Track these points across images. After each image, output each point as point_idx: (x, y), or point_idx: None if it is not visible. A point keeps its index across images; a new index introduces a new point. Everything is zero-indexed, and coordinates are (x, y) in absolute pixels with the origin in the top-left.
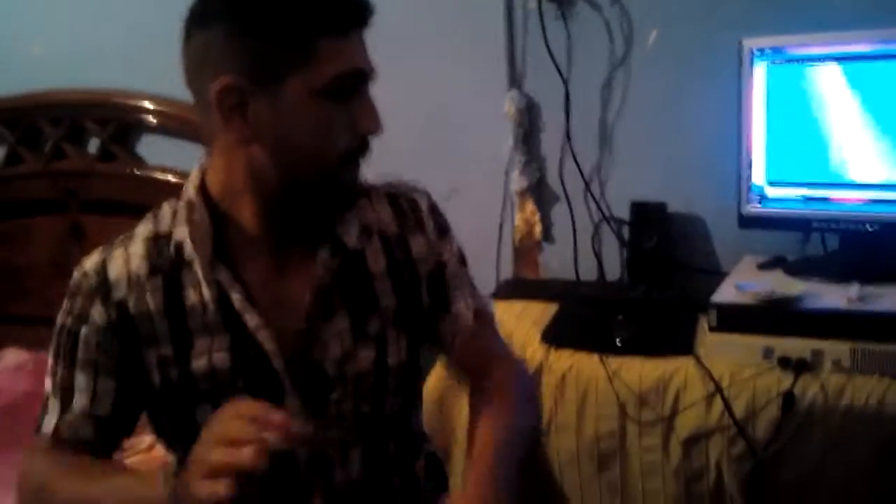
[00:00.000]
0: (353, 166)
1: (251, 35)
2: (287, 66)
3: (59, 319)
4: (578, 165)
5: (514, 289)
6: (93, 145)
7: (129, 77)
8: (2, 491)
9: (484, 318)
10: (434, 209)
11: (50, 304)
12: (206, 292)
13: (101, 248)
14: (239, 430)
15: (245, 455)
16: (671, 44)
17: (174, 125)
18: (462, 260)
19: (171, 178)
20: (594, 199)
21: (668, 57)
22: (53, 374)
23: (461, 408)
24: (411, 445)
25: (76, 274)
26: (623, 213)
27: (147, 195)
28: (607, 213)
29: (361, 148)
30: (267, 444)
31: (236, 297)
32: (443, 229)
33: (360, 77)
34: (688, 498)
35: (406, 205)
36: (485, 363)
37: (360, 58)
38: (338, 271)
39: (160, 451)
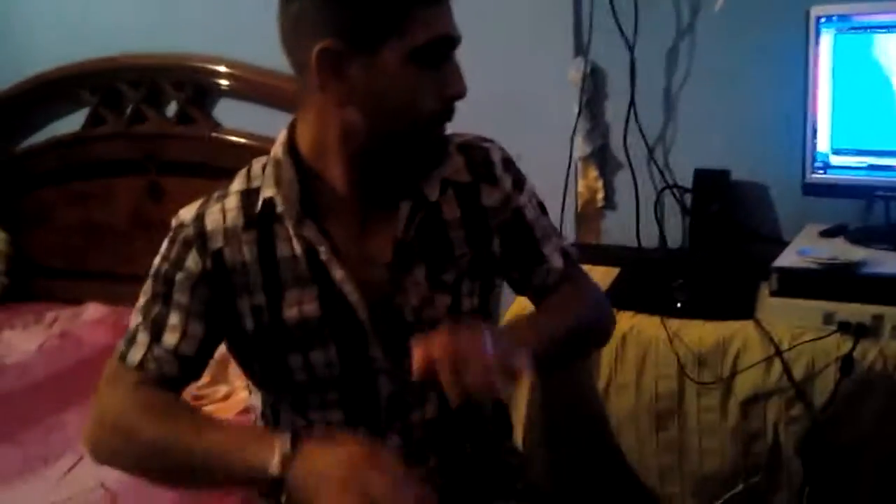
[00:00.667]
0: (439, 127)
1: (350, 2)
2: (383, 32)
3: (156, 263)
4: (642, 132)
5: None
6: (171, 108)
7: (206, 42)
8: (79, 441)
9: (570, 259)
10: (507, 161)
11: (129, 260)
12: (297, 246)
13: (198, 201)
14: (386, 497)
15: None
16: (737, 11)
17: (248, 89)
18: (542, 207)
19: (244, 140)
20: (657, 166)
21: (735, 24)
22: (146, 311)
23: None
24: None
25: (174, 223)
26: (686, 180)
27: (222, 157)
28: (670, 181)
29: (448, 110)
30: None
31: (323, 251)
32: (518, 181)
33: (449, 43)
34: (745, 458)
35: (479, 155)
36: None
37: (450, 25)
38: (419, 224)
39: (235, 400)
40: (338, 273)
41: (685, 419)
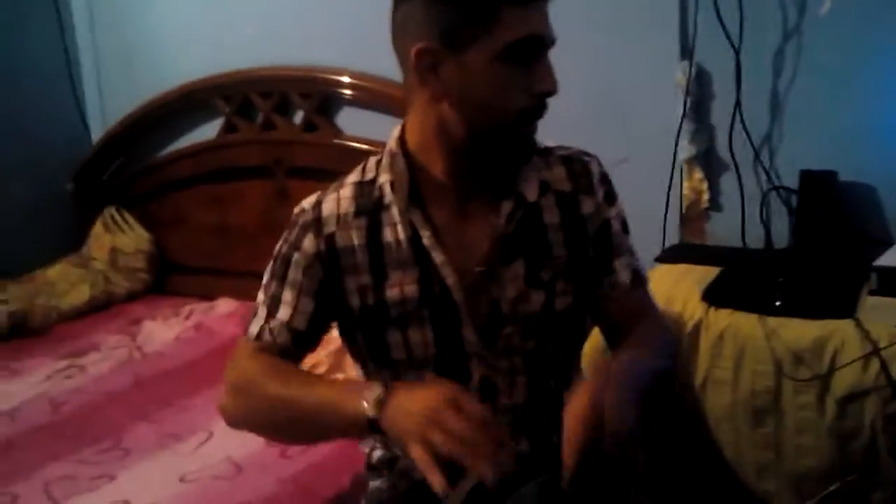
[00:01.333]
0: (529, 123)
1: (443, 4)
2: (473, 32)
3: (278, 245)
4: (748, 134)
5: (678, 253)
6: (298, 116)
7: (330, 54)
8: (213, 415)
9: (639, 279)
10: (604, 176)
11: (258, 259)
12: (401, 231)
13: (318, 191)
14: (453, 426)
15: (452, 449)
16: (844, 13)
17: (369, 98)
18: (625, 226)
19: (364, 146)
20: (763, 167)
21: (841, 26)
22: (266, 289)
23: None
24: (569, 386)
25: (296, 210)
26: (792, 181)
27: (344, 162)
28: (776, 182)
29: (538, 107)
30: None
31: (426, 236)
32: (610, 196)
33: (538, 43)
34: (841, 456)
35: (579, 167)
36: (633, 319)
37: (540, 25)
38: (518, 222)
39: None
40: (438, 257)
41: (782, 416)
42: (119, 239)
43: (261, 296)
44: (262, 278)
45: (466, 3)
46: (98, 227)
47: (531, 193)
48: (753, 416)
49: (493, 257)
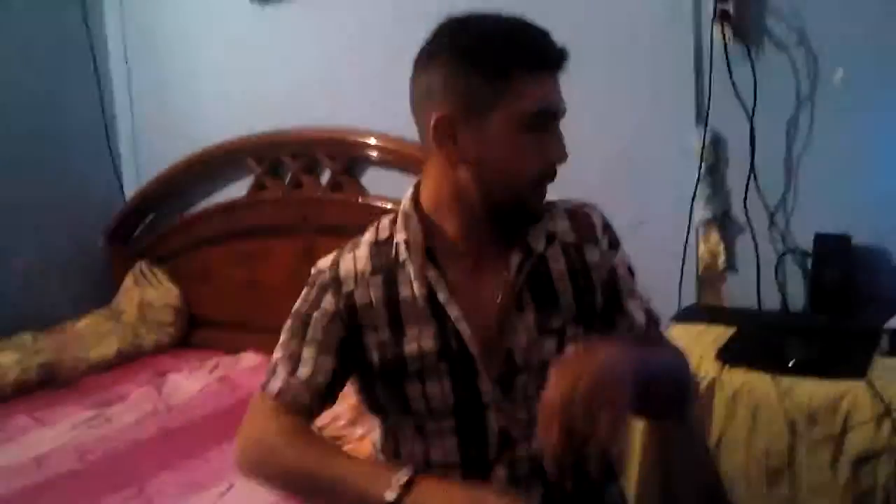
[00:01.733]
0: (541, 188)
1: (464, 76)
2: (492, 103)
3: (297, 304)
4: (763, 198)
5: (695, 314)
6: (325, 176)
7: (356, 117)
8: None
9: (653, 319)
10: (606, 225)
11: (284, 314)
12: (417, 288)
13: (334, 252)
14: None
15: None
16: (856, 82)
17: (392, 159)
18: (631, 271)
19: (388, 205)
20: (778, 230)
21: (854, 94)
22: (285, 348)
23: None
24: None
25: (314, 270)
26: (807, 244)
27: (368, 220)
28: (791, 245)
29: (549, 173)
30: None
31: (441, 292)
32: (614, 243)
33: (551, 114)
34: None
35: (582, 219)
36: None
37: (552, 97)
38: (527, 272)
39: (369, 442)
40: (454, 312)
41: (796, 476)
42: (148, 293)
43: (278, 353)
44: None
45: (485, 74)
46: (128, 281)
47: (538, 244)
48: (768, 477)
49: (505, 308)
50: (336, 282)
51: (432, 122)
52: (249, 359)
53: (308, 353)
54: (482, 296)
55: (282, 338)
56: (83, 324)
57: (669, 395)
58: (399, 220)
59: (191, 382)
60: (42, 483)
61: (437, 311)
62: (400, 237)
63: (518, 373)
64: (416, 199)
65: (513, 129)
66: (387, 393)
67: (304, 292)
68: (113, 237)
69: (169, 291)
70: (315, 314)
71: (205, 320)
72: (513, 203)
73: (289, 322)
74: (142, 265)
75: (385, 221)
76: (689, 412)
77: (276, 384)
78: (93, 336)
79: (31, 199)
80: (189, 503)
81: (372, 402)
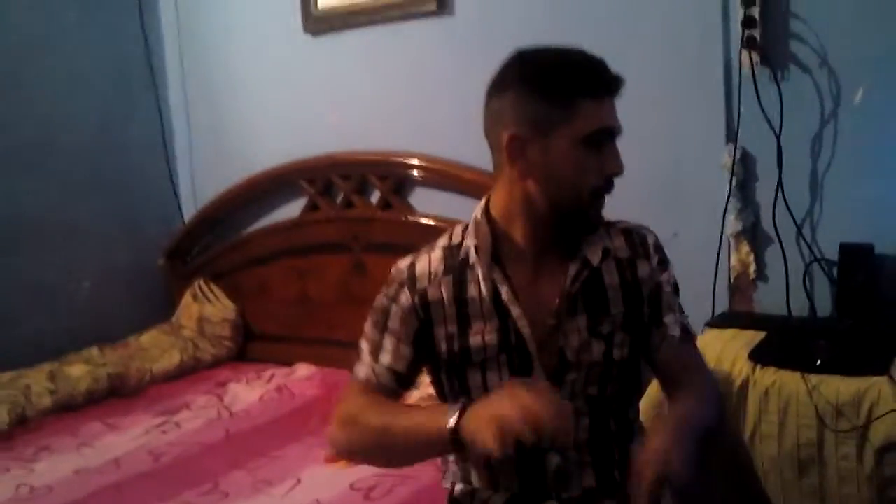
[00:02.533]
0: (599, 199)
1: (532, 99)
2: (557, 122)
3: (378, 300)
4: (790, 211)
5: (727, 320)
6: (375, 196)
7: (404, 140)
8: (301, 464)
9: (688, 334)
10: (658, 246)
11: (335, 328)
12: (483, 287)
13: (412, 253)
14: (529, 405)
15: (525, 429)
16: (875, 101)
17: (437, 179)
18: (675, 289)
19: (433, 222)
20: (805, 241)
21: (873, 112)
22: (368, 338)
23: None
24: (627, 429)
25: (393, 269)
26: (833, 254)
27: (415, 237)
28: (818, 255)
29: (607, 186)
30: (542, 427)
31: (505, 293)
32: (663, 262)
33: (609, 132)
34: (881, 503)
35: (637, 238)
36: (684, 371)
37: (609, 118)
38: (582, 282)
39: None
40: (515, 311)
41: (825, 467)
42: (206, 309)
43: (364, 343)
44: (339, 346)
45: (550, 99)
46: (187, 298)
47: (595, 258)
48: (799, 467)
49: (560, 311)
50: (412, 280)
51: (505, 141)
52: (303, 370)
53: (388, 342)
54: (541, 299)
55: (365, 329)
56: (146, 338)
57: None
58: (470, 226)
59: (250, 392)
60: (121, 482)
61: (500, 309)
62: (470, 242)
63: (569, 370)
64: (486, 209)
65: (575, 147)
66: (451, 381)
67: (383, 289)
68: (172, 256)
69: (226, 307)
70: (393, 308)
71: (260, 334)
72: (574, 212)
73: (372, 315)
74: (200, 282)
75: (458, 229)
76: (723, 428)
77: (362, 370)
78: (155, 349)
79: (96, 222)
80: (262, 496)
81: (439, 390)
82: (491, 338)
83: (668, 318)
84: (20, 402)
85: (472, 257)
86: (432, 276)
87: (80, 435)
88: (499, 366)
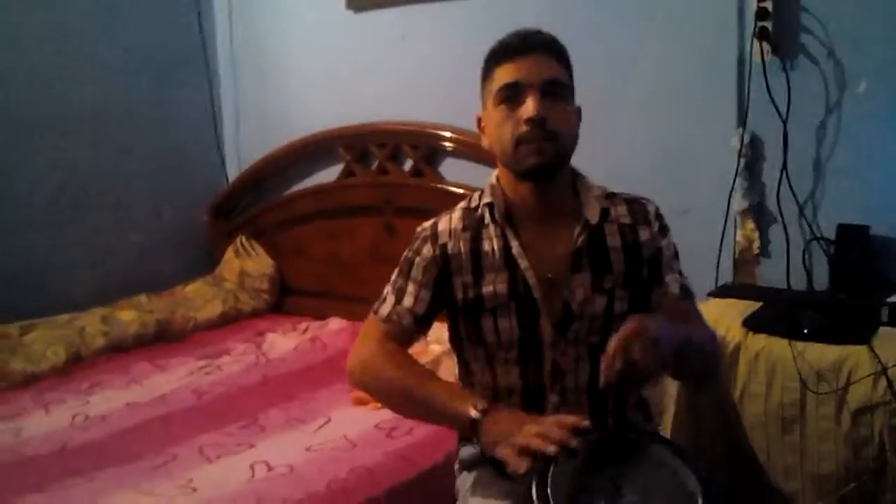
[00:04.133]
0: (526, 148)
1: (481, 76)
2: (485, 93)
3: (404, 254)
4: (793, 192)
5: (729, 290)
6: (407, 164)
7: (436, 113)
8: (330, 406)
9: (687, 292)
10: (658, 214)
11: (366, 285)
12: (496, 243)
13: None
14: (554, 434)
15: (547, 447)
16: (878, 90)
17: (466, 150)
18: (675, 253)
19: (460, 190)
20: (806, 220)
21: (876, 101)
22: (393, 284)
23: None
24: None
25: (418, 228)
26: (831, 232)
27: (444, 203)
28: (817, 233)
29: (530, 132)
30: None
31: (514, 246)
32: (663, 229)
33: (519, 86)
34: (855, 461)
35: (638, 207)
36: (684, 321)
37: (521, 74)
38: (587, 241)
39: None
40: (523, 263)
41: (806, 425)
42: (247, 264)
43: (388, 288)
44: (369, 302)
45: (483, 75)
46: (229, 253)
47: (593, 217)
48: (782, 425)
49: (565, 267)
50: (434, 236)
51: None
52: (335, 323)
53: (411, 287)
54: (548, 256)
55: (392, 277)
56: (190, 289)
57: (696, 360)
58: (486, 189)
59: (286, 341)
60: (168, 414)
61: (510, 262)
62: (486, 201)
63: (573, 321)
64: (498, 176)
65: (495, 107)
66: (466, 326)
67: (410, 244)
68: (216, 214)
69: (265, 262)
70: (417, 259)
71: (296, 289)
72: (512, 164)
73: (398, 266)
74: (241, 239)
75: (476, 194)
76: (716, 374)
77: (385, 309)
78: (199, 299)
79: (146, 180)
80: (295, 432)
81: (455, 334)
82: (501, 287)
83: (669, 278)
84: (75, 342)
85: (487, 217)
86: (452, 233)
87: (130, 373)
88: (508, 312)
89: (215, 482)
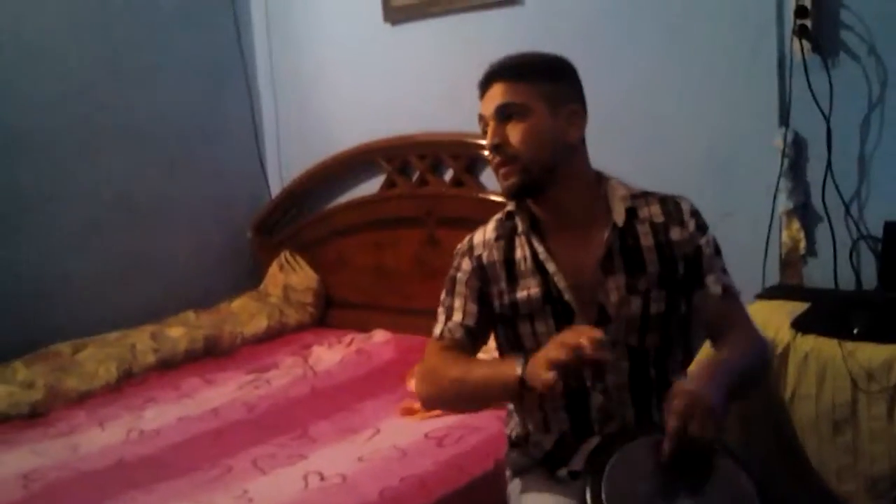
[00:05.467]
0: (497, 175)
1: None
2: None
3: (449, 273)
4: (839, 190)
5: (776, 292)
6: (448, 175)
7: (475, 121)
8: (379, 416)
9: (730, 293)
10: (694, 211)
11: (410, 297)
12: (527, 250)
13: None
14: (569, 339)
15: (569, 354)
16: None
17: None
18: (717, 251)
19: (501, 199)
20: (853, 219)
21: None
22: (443, 303)
23: None
24: (665, 379)
25: (458, 246)
26: (878, 231)
27: (484, 213)
28: (864, 232)
29: (492, 161)
30: (582, 351)
31: (541, 252)
32: (701, 226)
33: (484, 120)
34: None
35: (671, 205)
36: (727, 324)
37: (483, 109)
38: (619, 243)
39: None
40: (551, 267)
41: (858, 426)
42: (291, 278)
43: (440, 309)
44: (413, 314)
45: None
46: (274, 268)
47: (619, 219)
48: (834, 426)
49: (596, 270)
50: (471, 249)
51: None
52: (380, 335)
53: (458, 302)
54: (579, 260)
55: (441, 297)
56: (236, 304)
57: (746, 388)
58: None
59: (332, 354)
60: (220, 428)
61: (540, 268)
62: (510, 209)
63: (609, 323)
64: None
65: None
66: (506, 332)
67: (453, 261)
68: (260, 229)
69: (309, 276)
70: (458, 275)
71: (340, 302)
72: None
73: (445, 284)
74: (285, 254)
75: (510, 206)
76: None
77: (438, 328)
78: (245, 314)
79: (190, 198)
80: (346, 442)
81: (498, 344)
82: (535, 292)
83: (710, 279)
84: (127, 359)
85: (519, 227)
86: (486, 243)
87: (181, 388)
88: (545, 316)
89: (270, 493)
